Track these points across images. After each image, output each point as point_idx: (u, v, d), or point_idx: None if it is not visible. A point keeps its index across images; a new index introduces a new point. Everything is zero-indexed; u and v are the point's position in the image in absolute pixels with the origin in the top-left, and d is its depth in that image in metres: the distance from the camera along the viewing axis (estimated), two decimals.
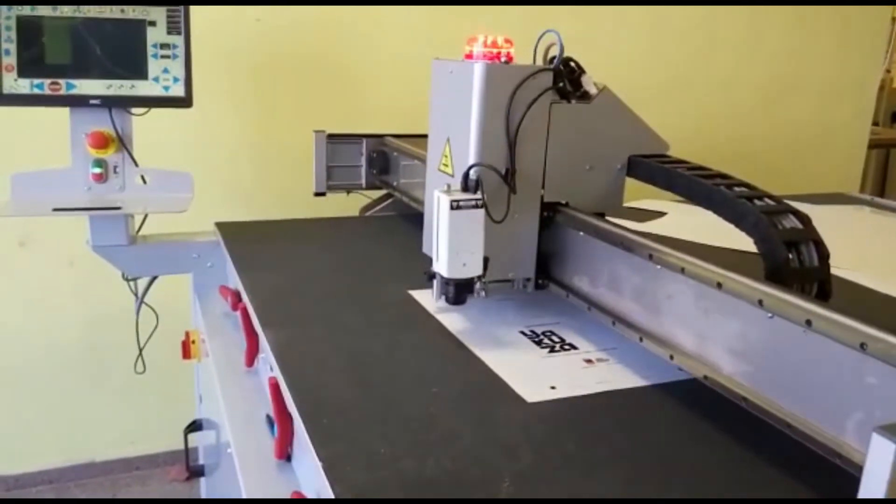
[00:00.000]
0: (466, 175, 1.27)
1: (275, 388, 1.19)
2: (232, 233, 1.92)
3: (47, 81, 1.76)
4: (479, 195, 1.24)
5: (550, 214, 1.40)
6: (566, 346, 1.30)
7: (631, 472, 0.93)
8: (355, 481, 0.88)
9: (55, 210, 1.78)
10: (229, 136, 2.63)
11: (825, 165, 3.65)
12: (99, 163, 1.86)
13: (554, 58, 1.34)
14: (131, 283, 2.06)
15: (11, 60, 1.74)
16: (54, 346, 2.63)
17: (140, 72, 1.81)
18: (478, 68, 1.26)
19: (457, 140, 1.35)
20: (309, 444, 0.96)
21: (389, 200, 2.28)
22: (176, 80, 1.83)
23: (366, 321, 1.38)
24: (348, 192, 2.29)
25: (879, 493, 0.58)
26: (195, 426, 2.06)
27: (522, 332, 1.35)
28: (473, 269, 1.25)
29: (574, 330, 1.37)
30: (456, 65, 1.34)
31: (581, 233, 1.34)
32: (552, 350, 1.28)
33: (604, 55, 2.92)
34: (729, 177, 1.28)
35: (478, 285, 1.30)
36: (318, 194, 2.22)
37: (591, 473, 0.92)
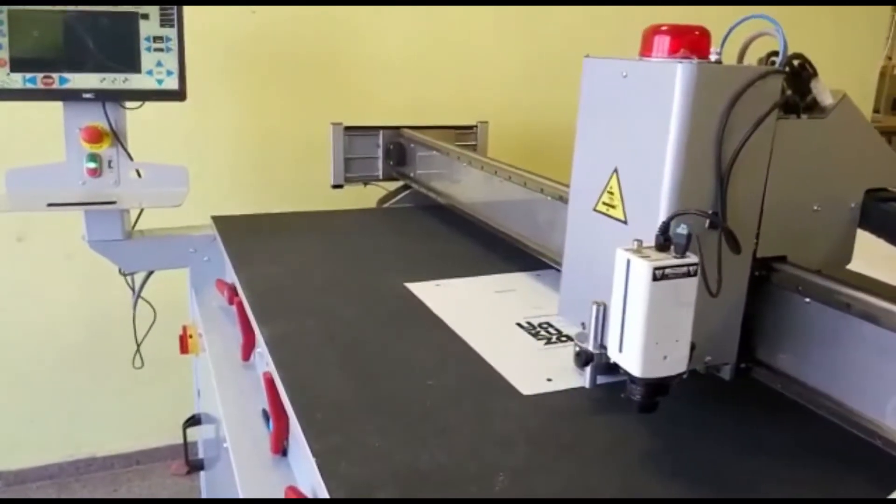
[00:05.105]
0: (666, 227, 0.89)
1: (270, 382, 1.18)
2: (228, 227, 1.91)
3: (40, 75, 1.75)
4: (691, 258, 0.87)
5: (763, 274, 1.04)
6: (563, 338, 1.29)
7: (627, 465, 0.92)
8: (349, 476, 0.87)
9: (50, 205, 1.77)
10: (230, 129, 2.62)
11: None
12: (93, 157, 1.86)
13: (773, 55, 0.99)
14: (128, 278, 2.06)
15: (3, 55, 1.72)
16: (53, 342, 2.63)
17: (133, 65, 1.80)
18: (682, 71, 0.90)
19: (635, 171, 0.99)
20: (303, 439, 0.95)
21: (407, 192, 2.29)
22: (170, 73, 1.82)
23: (361, 315, 1.37)
24: (365, 184, 2.30)
25: None
26: (194, 420, 2.06)
27: (519, 324, 1.34)
28: (677, 363, 0.89)
29: (571, 322, 1.35)
30: (633, 65, 0.98)
31: (809, 299, 0.99)
32: (549, 342, 1.27)
33: (610, 52, 2.89)
34: None
35: None
36: (335, 186, 2.23)
37: (586, 466, 0.92)
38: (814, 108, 1.04)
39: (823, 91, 1.04)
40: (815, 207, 1.06)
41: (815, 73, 1.03)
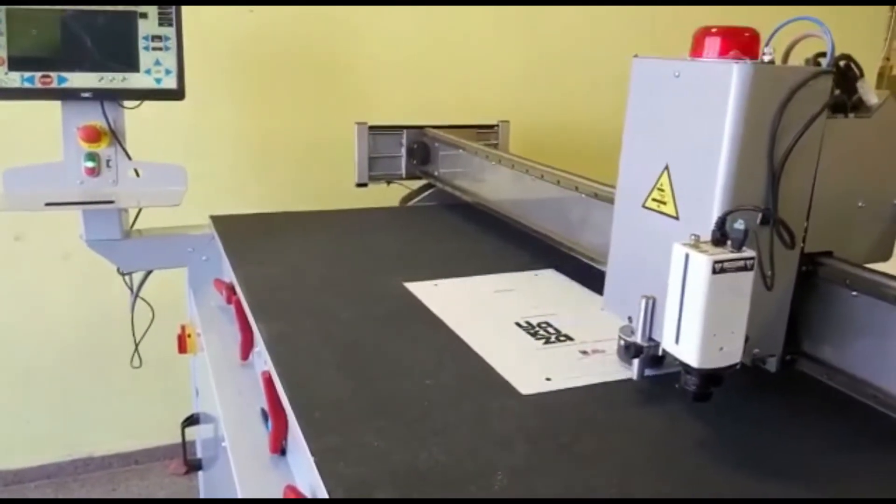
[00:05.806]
0: (723, 222, 0.93)
1: (268, 382, 1.18)
2: (226, 226, 1.91)
3: (38, 75, 1.75)
4: (748, 252, 0.91)
5: (810, 269, 1.08)
6: (561, 338, 1.29)
7: (625, 465, 0.92)
8: (347, 476, 0.87)
9: (47, 204, 1.77)
10: (230, 129, 2.62)
11: None
12: (91, 156, 1.85)
13: (821, 56, 1.02)
14: (126, 278, 2.05)
15: (1, 54, 1.72)
16: (51, 341, 2.62)
17: (132, 64, 1.80)
18: (738, 71, 0.93)
19: (687, 168, 1.01)
20: (302, 439, 0.95)
21: (431, 190, 2.31)
22: (168, 72, 1.82)
23: (360, 314, 1.37)
24: (388, 183, 2.32)
25: None
26: (192, 420, 2.05)
27: (517, 324, 1.34)
28: (732, 354, 0.92)
29: (569, 321, 1.36)
30: (686, 65, 1.00)
31: (856, 293, 1.04)
32: (547, 341, 1.27)
33: (610, 51, 2.91)
34: None
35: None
36: (360, 185, 2.25)
37: (585, 466, 0.92)
38: (860, 107, 1.06)
39: (869, 91, 1.06)
40: (860, 204, 1.10)
41: (861, 74, 1.06)
